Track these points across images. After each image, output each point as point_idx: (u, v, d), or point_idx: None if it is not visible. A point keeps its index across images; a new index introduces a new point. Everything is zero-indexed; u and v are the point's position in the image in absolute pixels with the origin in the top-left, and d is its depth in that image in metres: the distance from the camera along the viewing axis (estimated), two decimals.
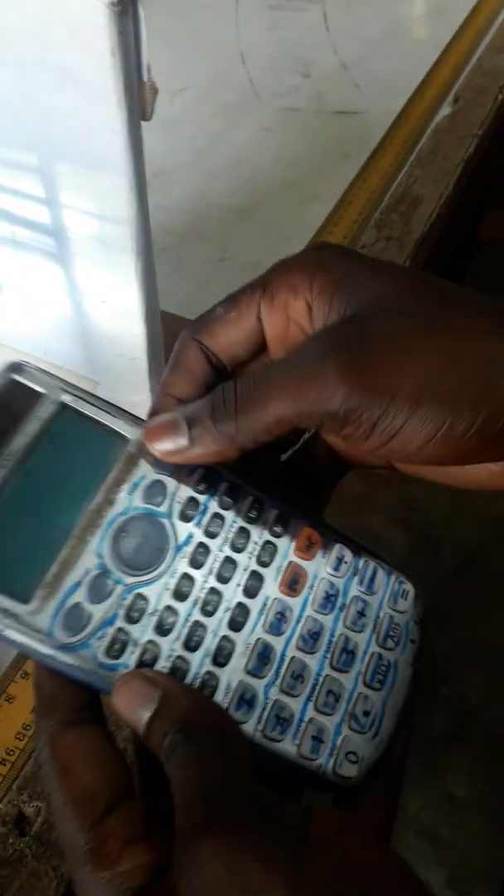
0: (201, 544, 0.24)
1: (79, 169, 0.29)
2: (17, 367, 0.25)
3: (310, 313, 0.25)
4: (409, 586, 0.26)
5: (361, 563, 0.25)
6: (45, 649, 0.22)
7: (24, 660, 0.34)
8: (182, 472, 0.25)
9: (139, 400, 0.38)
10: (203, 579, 0.24)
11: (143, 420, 0.25)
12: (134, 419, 0.25)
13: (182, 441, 0.24)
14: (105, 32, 0.25)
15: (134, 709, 0.22)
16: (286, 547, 0.25)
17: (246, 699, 0.23)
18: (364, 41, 0.79)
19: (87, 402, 0.25)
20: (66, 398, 0.25)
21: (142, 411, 0.39)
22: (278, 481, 0.27)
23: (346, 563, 0.25)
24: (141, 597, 0.23)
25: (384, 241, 0.54)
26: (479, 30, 0.82)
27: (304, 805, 0.21)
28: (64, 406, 0.25)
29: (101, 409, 0.25)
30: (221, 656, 0.23)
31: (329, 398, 0.22)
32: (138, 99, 0.27)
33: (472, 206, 0.73)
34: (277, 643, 0.23)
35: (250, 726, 0.22)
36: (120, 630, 0.22)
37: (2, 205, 0.32)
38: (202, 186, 0.61)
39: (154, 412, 0.25)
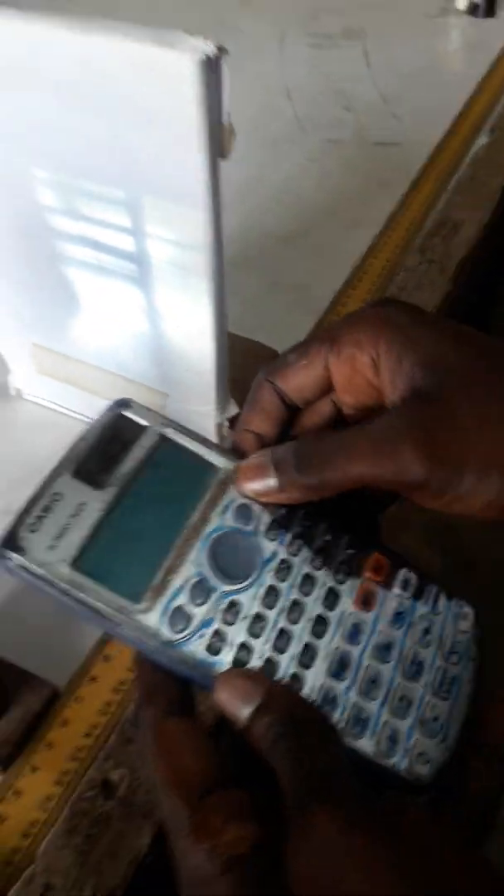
0: (284, 561, 0.27)
1: (162, 202, 0.33)
2: (124, 404, 0.29)
3: (375, 368, 0.28)
4: (469, 609, 0.28)
5: (426, 586, 0.28)
6: (153, 644, 0.25)
7: (104, 644, 0.37)
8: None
9: (205, 410, 0.41)
10: (287, 592, 0.27)
11: (230, 451, 0.29)
12: (222, 450, 0.29)
13: (271, 483, 0.27)
14: (194, 84, 0.28)
15: (236, 703, 0.24)
16: (359, 568, 0.28)
17: (329, 699, 0.25)
18: (403, 75, 0.83)
19: (184, 434, 0.29)
20: (167, 431, 0.29)
21: (208, 420, 0.42)
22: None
23: (412, 585, 0.28)
24: (235, 603, 0.26)
25: (427, 264, 0.58)
26: None
27: (396, 799, 0.23)
28: (164, 437, 0.28)
29: (195, 440, 0.29)
30: (306, 659, 0.26)
31: (405, 470, 0.25)
32: (219, 140, 0.31)
33: None
34: (354, 651, 0.26)
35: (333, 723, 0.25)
36: (217, 631, 0.25)
37: (90, 234, 0.36)
38: (252, 215, 0.65)
39: (236, 446, 0.29)
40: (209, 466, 0.28)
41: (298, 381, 0.30)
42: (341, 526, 0.29)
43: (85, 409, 0.47)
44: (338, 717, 0.25)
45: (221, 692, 0.25)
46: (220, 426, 0.42)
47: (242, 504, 0.28)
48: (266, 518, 0.28)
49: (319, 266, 0.59)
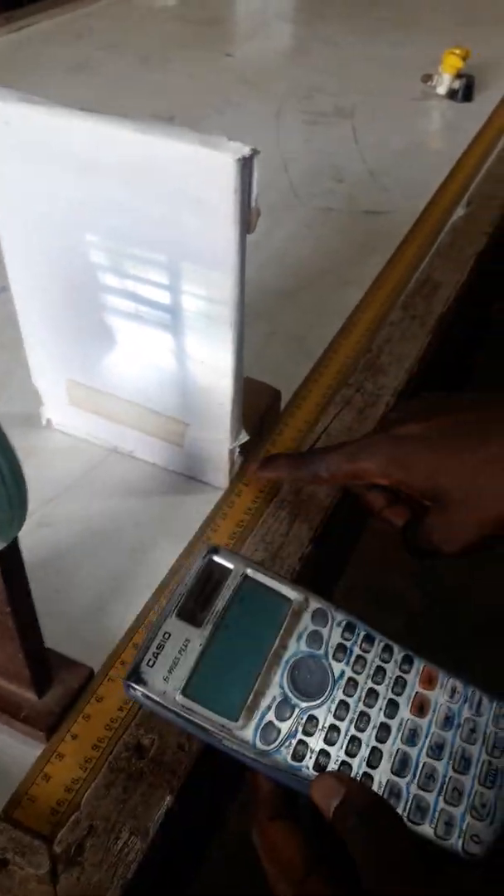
0: (351, 679, 0.34)
1: (198, 267, 0.40)
2: (214, 550, 0.36)
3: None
4: None
5: (470, 692, 0.34)
6: (250, 754, 0.32)
7: (134, 633, 0.43)
8: (332, 622, 0.35)
9: (221, 437, 0.48)
10: (355, 705, 0.33)
11: (299, 586, 0.36)
12: (293, 584, 0.36)
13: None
14: (233, 177, 0.36)
15: (325, 798, 0.31)
16: (413, 680, 0.34)
17: (394, 793, 0.32)
18: (389, 152, 0.92)
19: (262, 573, 0.36)
20: (249, 571, 0.36)
21: (223, 446, 0.49)
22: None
23: (458, 692, 0.34)
24: (312, 717, 0.33)
25: (409, 319, 0.66)
26: (489, 143, 0.95)
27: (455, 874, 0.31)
28: (246, 577, 0.35)
29: (271, 577, 0.36)
30: (374, 761, 0.32)
31: (370, 468, 0.44)
32: (248, 220, 0.38)
33: (483, 293, 0.85)
34: (413, 752, 0.32)
35: (398, 813, 0.31)
36: (300, 741, 0.32)
37: (132, 289, 0.43)
38: (255, 274, 0.72)
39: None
40: (283, 598, 0.35)
41: (341, 472, 0.45)
42: (397, 644, 0.35)
43: (110, 437, 0.53)
44: (402, 807, 0.31)
45: (315, 790, 0.31)
46: (232, 451, 0.49)
47: (314, 631, 0.35)
48: (334, 642, 0.34)
49: (314, 319, 0.67)
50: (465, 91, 1.04)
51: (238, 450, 0.50)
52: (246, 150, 0.36)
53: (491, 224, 0.79)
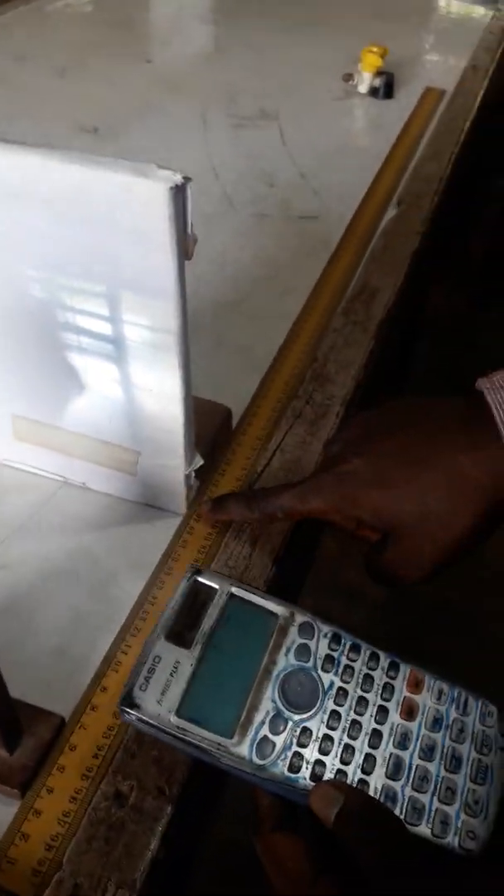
0: (340, 688, 0.34)
1: (138, 296, 0.39)
2: (197, 571, 0.36)
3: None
4: (492, 707, 0.35)
5: (456, 693, 0.35)
6: (247, 769, 0.32)
7: (100, 678, 0.42)
8: (318, 634, 0.35)
9: (174, 464, 0.47)
10: (346, 714, 0.34)
11: (285, 601, 0.36)
12: (278, 600, 0.36)
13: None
14: (166, 206, 0.35)
15: (325, 807, 0.31)
16: (400, 686, 0.35)
17: (390, 796, 0.32)
18: (316, 153, 0.93)
19: (247, 590, 0.36)
20: (234, 589, 0.36)
21: (177, 473, 0.48)
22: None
23: (445, 694, 0.35)
24: (306, 728, 0.33)
25: (351, 326, 0.66)
26: (413, 139, 0.96)
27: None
28: (232, 595, 0.36)
29: (255, 594, 0.36)
30: (368, 766, 0.33)
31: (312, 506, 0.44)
32: (185, 247, 0.38)
33: (420, 290, 0.86)
34: (405, 755, 0.33)
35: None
36: (295, 753, 0.32)
37: (73, 321, 0.42)
38: (193, 286, 0.72)
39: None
40: (269, 614, 0.36)
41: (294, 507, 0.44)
42: (383, 651, 0.36)
43: (60, 469, 0.52)
44: (398, 810, 0.32)
45: (314, 799, 0.32)
46: (187, 477, 0.48)
47: (301, 644, 0.35)
48: (322, 653, 0.35)
49: (258, 328, 0.67)
50: (386, 89, 1.05)
51: (193, 474, 0.49)
52: (178, 178, 0.35)
53: (422, 223, 0.80)
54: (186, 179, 0.36)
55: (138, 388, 0.44)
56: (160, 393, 0.44)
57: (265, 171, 0.89)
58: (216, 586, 0.36)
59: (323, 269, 0.73)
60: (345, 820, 0.31)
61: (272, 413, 0.58)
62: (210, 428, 0.53)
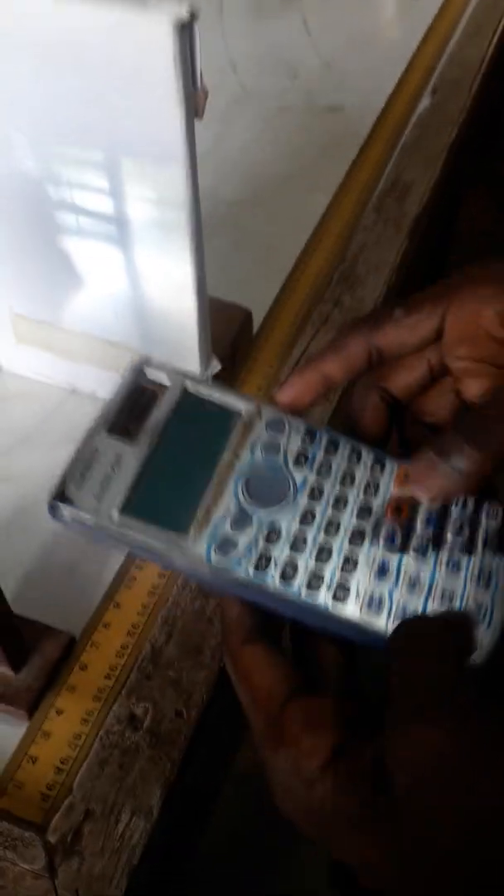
0: (315, 486, 0.29)
1: (141, 162, 0.34)
2: (146, 361, 0.31)
3: (501, 321, 0.30)
4: (499, 507, 0.30)
5: None
6: (205, 570, 0.27)
7: (114, 592, 0.39)
8: (289, 429, 0.30)
9: (190, 367, 0.43)
10: (322, 512, 0.29)
11: (249, 396, 0.31)
12: (242, 395, 0.31)
13: (449, 471, 0.28)
14: (170, 44, 0.30)
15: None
16: (387, 482, 0.30)
17: (375, 601, 0.28)
18: (343, 41, 0.84)
19: (204, 386, 0.31)
20: (188, 384, 0.31)
21: None
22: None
23: None
24: (274, 525, 0.28)
25: (382, 223, 0.60)
26: (450, 23, 0.87)
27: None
28: (186, 390, 0.31)
29: (216, 389, 0.31)
30: (347, 567, 0.28)
31: None
32: (193, 101, 0.32)
33: (457, 187, 0.79)
34: (392, 556, 0.28)
35: (382, 622, 0.27)
36: (261, 552, 0.28)
37: (70, 198, 0.37)
38: (210, 184, 0.65)
39: (297, 375, 0.31)
40: (232, 411, 0.31)
41: (400, 338, 0.31)
42: (366, 446, 0.31)
43: (68, 377, 0.48)
44: (386, 615, 0.27)
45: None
46: None
47: (270, 439, 0.30)
48: (293, 449, 0.30)
49: (280, 229, 0.61)
50: None
51: (210, 381, 0.44)
52: (184, 13, 0.30)
53: (460, 112, 0.73)
54: (193, 16, 0.30)
55: (147, 277, 0.39)
56: (171, 282, 0.39)
57: (287, 61, 0.81)
58: (167, 378, 0.31)
59: (351, 163, 0.67)
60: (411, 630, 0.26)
61: (296, 318, 0.53)
62: (228, 331, 0.48)
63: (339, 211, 0.62)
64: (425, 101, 0.74)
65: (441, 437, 0.29)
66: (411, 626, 0.27)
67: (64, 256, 0.41)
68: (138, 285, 0.40)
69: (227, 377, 0.48)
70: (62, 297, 0.43)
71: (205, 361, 0.43)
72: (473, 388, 0.32)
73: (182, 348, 0.42)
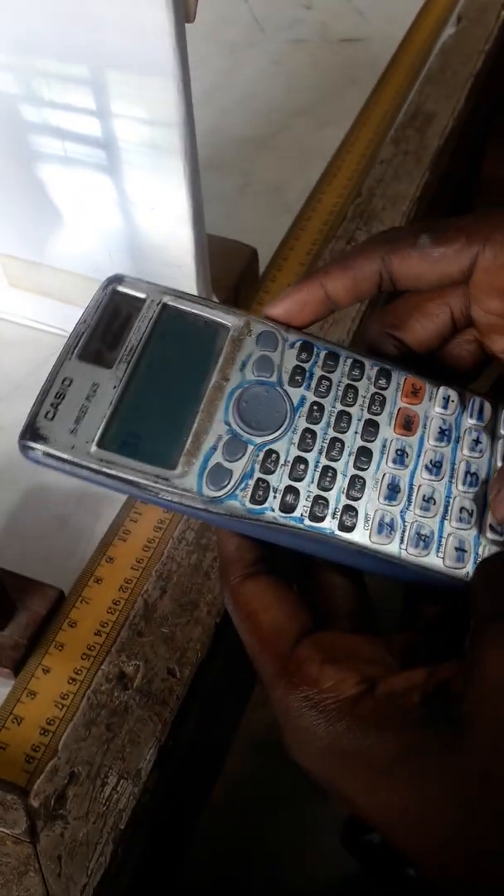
0: (315, 403, 0.27)
1: (128, 76, 0.31)
2: (118, 279, 0.28)
3: None
4: None
5: (468, 398, 0.28)
6: (197, 505, 0.25)
7: (107, 546, 0.36)
8: (283, 344, 0.28)
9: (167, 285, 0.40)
10: (323, 432, 0.26)
11: (237, 309, 0.28)
12: (228, 309, 0.28)
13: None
14: None
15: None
16: (393, 395, 0.27)
17: (386, 523, 0.25)
18: None
19: (185, 299, 0.28)
20: (168, 299, 0.28)
21: None
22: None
23: (452, 401, 0.27)
24: (271, 451, 0.26)
25: (402, 156, 0.56)
26: None
27: None
28: (165, 306, 0.28)
29: (198, 303, 0.28)
30: (354, 491, 0.25)
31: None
32: (182, 1, 0.29)
33: (480, 124, 0.74)
34: (403, 475, 0.26)
35: (394, 546, 0.25)
36: (259, 480, 0.25)
37: (53, 121, 0.34)
38: (217, 120, 0.62)
39: (295, 288, 0.28)
40: (218, 326, 0.28)
41: (421, 268, 0.27)
42: (369, 358, 0.28)
43: (61, 322, 0.45)
44: (398, 538, 0.25)
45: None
46: None
47: (262, 356, 0.27)
48: (288, 366, 0.27)
49: (292, 166, 0.57)
50: None
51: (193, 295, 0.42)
52: None
53: (487, 40, 0.68)
54: None
55: (140, 207, 0.36)
56: (165, 213, 0.36)
57: None
58: (143, 296, 0.28)
59: (368, 96, 0.63)
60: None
61: (306, 257, 0.50)
62: (231, 270, 0.45)
63: (356, 145, 0.58)
64: (449, 30, 0.69)
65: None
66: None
67: (51, 188, 0.38)
68: (131, 218, 0.37)
69: None
70: (52, 234, 0.40)
71: (206, 295, 0.40)
72: (502, 344, 0.28)
73: (180, 285, 0.39)
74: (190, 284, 0.39)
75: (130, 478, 0.25)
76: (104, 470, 0.24)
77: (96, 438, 0.25)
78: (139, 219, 0.37)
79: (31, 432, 0.25)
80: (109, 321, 0.27)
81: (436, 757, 0.19)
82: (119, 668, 0.32)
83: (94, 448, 0.25)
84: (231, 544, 0.25)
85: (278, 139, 0.60)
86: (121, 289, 0.28)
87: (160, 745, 0.30)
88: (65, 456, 0.25)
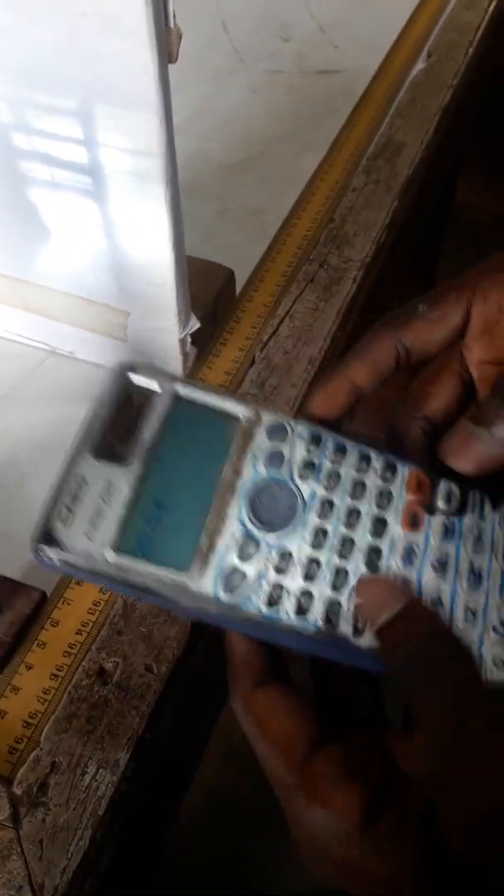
0: (325, 499, 0.27)
1: (114, 109, 0.34)
2: (130, 367, 0.28)
3: None
4: None
5: (469, 495, 0.28)
6: (214, 610, 0.25)
7: None
8: (292, 435, 0.28)
9: (167, 325, 0.42)
10: (334, 529, 0.26)
11: (247, 399, 0.29)
12: (238, 399, 0.29)
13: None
14: None
15: (377, 607, 0.24)
16: (399, 490, 0.28)
17: None
18: (338, 4, 0.83)
19: (197, 388, 0.28)
20: (178, 388, 0.28)
21: (171, 336, 0.43)
22: None
23: (455, 496, 0.28)
24: (284, 550, 0.26)
25: (373, 185, 0.59)
26: None
27: None
28: (177, 396, 0.28)
29: (209, 392, 0.28)
30: None
31: None
32: (166, 43, 0.31)
33: (450, 155, 0.78)
34: (411, 574, 0.26)
35: None
36: (273, 582, 0.25)
37: (42, 149, 0.36)
38: (197, 146, 0.65)
39: (326, 386, 0.29)
40: (229, 417, 0.28)
41: (430, 333, 0.29)
42: (375, 451, 0.28)
43: (46, 337, 0.47)
44: None
45: (364, 592, 0.25)
46: (182, 342, 0.43)
47: (272, 449, 0.27)
48: (298, 459, 0.27)
49: (269, 191, 0.60)
50: None
51: (190, 339, 0.44)
52: None
53: (455, 75, 0.71)
54: None
55: (122, 230, 0.39)
56: (147, 235, 0.38)
57: (280, 23, 0.80)
58: (156, 387, 0.28)
59: (342, 125, 0.66)
60: (399, 636, 0.24)
61: (282, 278, 0.52)
62: (210, 290, 0.48)
63: (330, 173, 0.61)
64: (420, 65, 0.73)
65: (479, 405, 0.27)
66: (419, 649, 0.24)
67: (37, 210, 0.40)
68: (114, 239, 0.39)
69: (208, 337, 0.47)
70: (39, 253, 0.42)
71: (183, 319, 0.42)
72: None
73: (160, 305, 0.41)
74: (171, 305, 0.41)
75: (147, 585, 0.25)
76: (120, 577, 0.24)
77: (112, 543, 0.24)
78: (121, 240, 0.39)
79: (46, 536, 0.24)
80: (121, 413, 0.27)
81: (435, 880, 0.21)
82: (99, 665, 0.34)
83: (110, 553, 0.24)
84: (241, 648, 0.26)
85: (256, 164, 0.63)
86: (132, 378, 0.28)
87: (138, 738, 0.32)
88: (81, 563, 0.24)
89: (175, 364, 0.44)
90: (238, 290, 0.51)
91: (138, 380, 0.28)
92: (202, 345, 0.46)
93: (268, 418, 0.28)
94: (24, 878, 0.28)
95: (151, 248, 0.38)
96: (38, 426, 0.44)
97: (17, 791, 0.30)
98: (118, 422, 0.27)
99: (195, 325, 0.43)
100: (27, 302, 0.45)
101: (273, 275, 0.53)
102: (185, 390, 0.28)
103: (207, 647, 0.36)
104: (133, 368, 0.28)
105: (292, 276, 0.52)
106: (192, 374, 0.46)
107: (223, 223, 0.58)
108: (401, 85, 0.70)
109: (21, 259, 0.43)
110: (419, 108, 0.67)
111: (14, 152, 0.37)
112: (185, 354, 0.44)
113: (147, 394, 0.28)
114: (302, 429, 0.28)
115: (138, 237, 0.38)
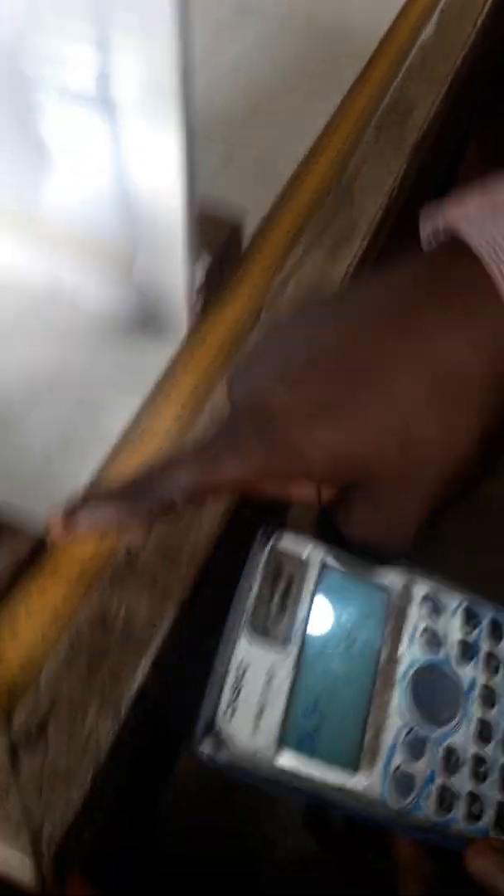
0: (486, 685, 0.25)
1: (129, 33, 0.32)
2: (276, 535, 0.26)
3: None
4: None
5: None
6: (382, 814, 0.23)
7: None
8: (447, 611, 0.26)
9: (177, 261, 0.40)
10: (499, 720, 0.24)
11: (393, 569, 0.26)
12: (385, 568, 0.26)
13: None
14: None
15: (491, 873, 0.22)
16: None
17: None
18: None
19: (342, 556, 0.26)
20: (328, 559, 0.26)
21: (177, 284, 0.41)
22: None
23: None
24: (451, 747, 0.24)
25: (383, 143, 0.57)
26: None
27: None
28: (325, 565, 0.26)
29: (353, 560, 0.26)
30: None
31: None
32: None
33: (464, 117, 0.77)
34: None
35: None
36: (442, 785, 0.23)
37: (51, 75, 0.34)
38: (201, 95, 0.63)
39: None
40: (378, 587, 0.26)
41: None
42: None
43: (46, 277, 0.45)
44: None
45: (474, 862, 0.23)
46: (189, 284, 0.42)
47: (426, 629, 0.25)
48: (454, 639, 0.25)
49: (277, 142, 0.58)
50: None
51: (196, 289, 0.42)
52: None
53: (464, 45, 0.70)
54: None
55: (132, 164, 0.37)
56: (155, 158, 0.36)
57: None
58: (304, 555, 0.26)
59: (354, 80, 0.64)
60: None
61: (288, 234, 0.51)
62: (215, 243, 0.46)
63: (339, 129, 0.59)
64: (430, 27, 0.71)
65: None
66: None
67: (42, 138, 0.38)
68: (123, 175, 0.37)
69: (214, 289, 0.46)
70: (43, 185, 0.40)
71: (192, 254, 0.41)
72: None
73: (169, 238, 0.40)
74: (176, 236, 0.39)
75: (313, 788, 0.23)
76: (288, 781, 0.23)
77: (277, 739, 0.23)
78: (132, 177, 0.37)
79: (213, 735, 0.22)
80: (272, 587, 0.25)
81: None
82: (101, 612, 0.32)
83: (275, 751, 0.23)
84: (407, 853, 0.24)
85: (264, 114, 0.61)
86: (280, 547, 0.26)
87: (138, 687, 0.31)
88: (248, 766, 0.23)
89: (179, 307, 0.43)
90: (246, 240, 0.50)
91: (285, 548, 0.26)
92: (207, 296, 0.45)
93: (419, 590, 0.26)
94: (20, 822, 0.27)
95: (161, 177, 0.37)
96: (37, 363, 0.43)
97: (15, 734, 0.29)
98: (271, 596, 0.25)
99: (206, 259, 0.42)
100: (31, 236, 0.43)
101: (280, 230, 0.51)
102: (332, 560, 0.26)
103: (212, 597, 0.35)
104: (280, 535, 0.26)
105: (299, 233, 0.51)
106: (196, 330, 0.44)
107: (229, 172, 0.56)
108: (411, 46, 0.69)
109: (26, 192, 0.41)
110: (430, 71, 0.65)
111: (22, 78, 0.36)
112: (190, 301, 0.43)
113: (296, 565, 0.26)
114: (455, 603, 0.26)
115: (146, 162, 0.37)
